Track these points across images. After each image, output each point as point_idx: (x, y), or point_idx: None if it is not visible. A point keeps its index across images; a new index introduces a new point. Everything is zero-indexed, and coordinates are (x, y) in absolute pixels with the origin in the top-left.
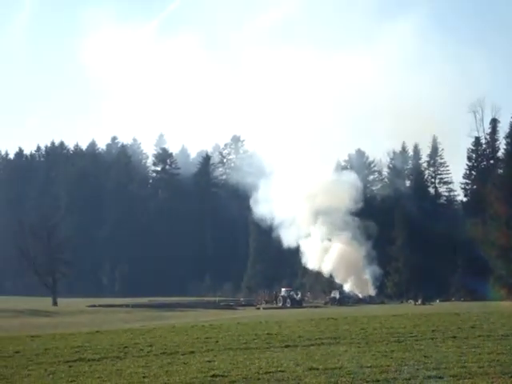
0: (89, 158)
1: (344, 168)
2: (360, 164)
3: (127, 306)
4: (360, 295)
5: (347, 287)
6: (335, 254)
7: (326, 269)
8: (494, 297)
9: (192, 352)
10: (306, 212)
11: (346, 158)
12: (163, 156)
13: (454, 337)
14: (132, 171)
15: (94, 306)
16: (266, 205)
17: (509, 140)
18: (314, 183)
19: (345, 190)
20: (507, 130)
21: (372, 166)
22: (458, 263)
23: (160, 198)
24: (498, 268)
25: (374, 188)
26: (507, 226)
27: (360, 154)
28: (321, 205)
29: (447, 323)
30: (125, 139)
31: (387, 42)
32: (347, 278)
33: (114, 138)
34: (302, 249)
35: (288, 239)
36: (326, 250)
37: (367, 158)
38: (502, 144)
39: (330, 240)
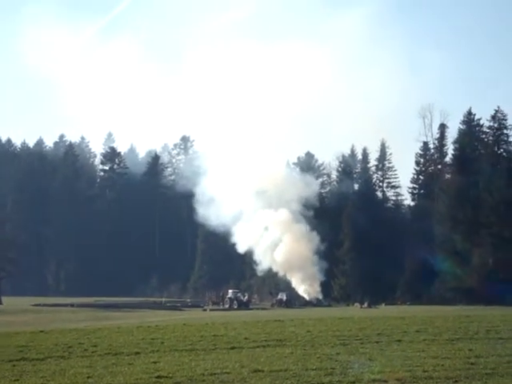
0: (36, 155)
1: (293, 170)
2: (309, 166)
3: (72, 305)
4: (307, 297)
5: (295, 289)
6: (284, 249)
7: (273, 264)
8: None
9: (137, 353)
10: (256, 211)
11: (296, 161)
12: (111, 155)
13: (399, 340)
14: (79, 170)
15: (39, 305)
16: (215, 206)
17: (457, 145)
18: (264, 183)
19: (295, 189)
20: (455, 136)
21: (321, 168)
22: (405, 267)
23: (108, 198)
24: (443, 272)
25: (322, 191)
26: (453, 231)
27: (309, 156)
28: (271, 204)
29: (392, 327)
30: (73, 137)
31: (337, 43)
32: (295, 276)
33: (61, 137)
34: (244, 237)
35: (236, 240)
36: (275, 245)
37: (316, 160)
38: (449, 149)
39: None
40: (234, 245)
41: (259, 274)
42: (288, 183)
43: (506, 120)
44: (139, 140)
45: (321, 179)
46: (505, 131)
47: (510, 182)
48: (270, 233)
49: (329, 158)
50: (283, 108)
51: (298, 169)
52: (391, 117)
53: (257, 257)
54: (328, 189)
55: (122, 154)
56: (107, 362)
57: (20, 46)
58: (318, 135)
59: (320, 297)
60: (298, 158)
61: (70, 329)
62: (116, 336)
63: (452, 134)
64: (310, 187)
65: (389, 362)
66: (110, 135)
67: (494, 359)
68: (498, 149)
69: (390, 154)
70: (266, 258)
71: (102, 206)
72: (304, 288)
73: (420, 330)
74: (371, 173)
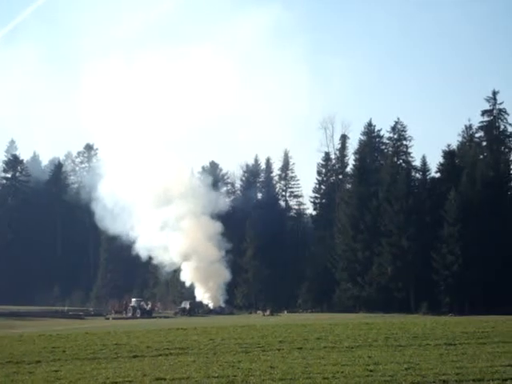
0: None
1: (198, 180)
2: (213, 176)
3: None
4: (211, 306)
5: (198, 297)
6: (183, 241)
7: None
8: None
9: (38, 361)
10: (159, 219)
11: (200, 170)
12: (13, 163)
13: (300, 348)
14: None
15: None
16: (117, 214)
17: (357, 156)
18: (168, 191)
19: (199, 199)
20: (356, 146)
21: (225, 178)
22: (307, 275)
23: (9, 206)
24: (343, 280)
25: (226, 200)
26: (353, 240)
27: (214, 165)
28: (176, 213)
29: (294, 334)
30: None
31: (242, 51)
32: (198, 280)
33: None
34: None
35: (139, 249)
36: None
37: (221, 169)
38: (350, 159)
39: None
40: (136, 253)
41: (162, 277)
42: (192, 193)
43: (405, 131)
44: (42, 148)
45: (225, 188)
46: (404, 142)
47: (408, 192)
48: (169, 230)
49: (233, 167)
50: (187, 116)
51: (203, 178)
52: (294, 127)
53: (157, 257)
54: (232, 198)
55: (25, 161)
56: (8, 370)
57: None
58: (223, 144)
59: (223, 305)
60: (203, 167)
61: None
62: (17, 345)
63: (353, 145)
64: (215, 199)
65: (290, 370)
66: (12, 142)
67: (393, 366)
68: (398, 159)
69: (293, 164)
70: (166, 256)
71: (3, 214)
72: (207, 296)
73: (321, 337)
74: (274, 182)
